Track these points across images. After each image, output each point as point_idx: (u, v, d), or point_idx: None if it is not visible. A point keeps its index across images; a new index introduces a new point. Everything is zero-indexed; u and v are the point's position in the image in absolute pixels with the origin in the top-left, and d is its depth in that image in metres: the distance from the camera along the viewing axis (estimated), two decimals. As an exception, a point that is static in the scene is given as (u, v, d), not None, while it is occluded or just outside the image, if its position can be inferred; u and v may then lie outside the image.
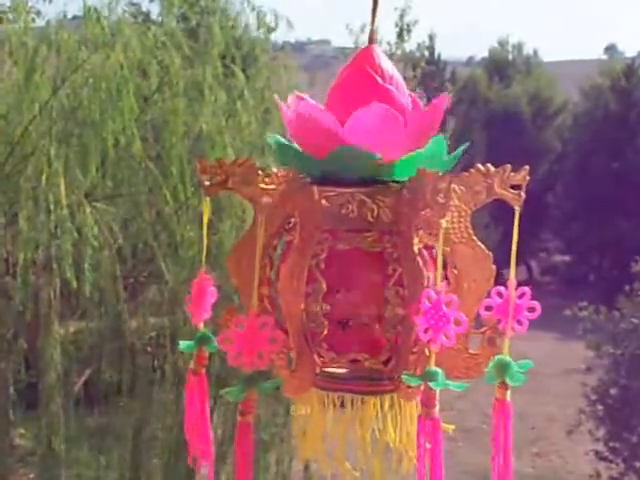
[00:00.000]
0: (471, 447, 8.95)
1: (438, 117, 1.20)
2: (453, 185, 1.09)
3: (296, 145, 1.22)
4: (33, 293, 6.63)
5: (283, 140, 1.23)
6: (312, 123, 1.16)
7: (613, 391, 10.01)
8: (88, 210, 6.40)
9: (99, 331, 7.21)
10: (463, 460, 8.44)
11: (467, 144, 1.22)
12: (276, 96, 1.21)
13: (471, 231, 1.15)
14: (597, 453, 9.99)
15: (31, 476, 7.87)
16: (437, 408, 1.05)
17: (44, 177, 6.34)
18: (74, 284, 6.30)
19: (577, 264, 22.47)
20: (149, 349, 7.30)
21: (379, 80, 1.18)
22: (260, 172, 1.14)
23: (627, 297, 10.11)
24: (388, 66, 1.21)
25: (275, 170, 1.15)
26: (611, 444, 9.92)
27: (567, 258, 23.76)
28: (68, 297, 6.77)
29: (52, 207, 6.30)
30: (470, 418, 9.79)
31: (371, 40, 1.23)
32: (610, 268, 20.90)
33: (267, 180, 1.13)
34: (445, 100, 1.19)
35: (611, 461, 9.92)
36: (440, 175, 1.09)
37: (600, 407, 10.06)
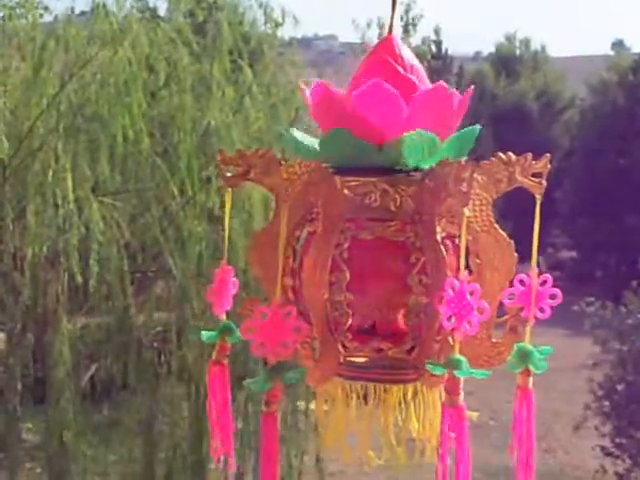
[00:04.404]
0: (479, 443, 8.96)
1: (465, 106, 1.20)
2: (475, 174, 1.09)
3: (302, 135, 1.22)
4: (41, 288, 6.64)
5: (294, 133, 1.23)
6: (328, 104, 1.17)
7: (619, 387, 10.01)
8: (95, 205, 6.41)
9: (106, 326, 7.22)
10: (473, 456, 8.46)
11: (479, 125, 1.22)
12: (301, 82, 1.21)
13: (493, 220, 1.16)
14: (603, 449, 9.99)
15: (38, 470, 7.88)
16: (461, 396, 1.05)
17: (51, 172, 6.36)
18: (81, 279, 6.31)
19: (584, 260, 22.42)
20: (156, 344, 7.31)
21: (400, 70, 1.18)
22: (283, 163, 1.14)
23: (634, 293, 10.11)
24: (409, 56, 1.21)
25: (298, 160, 1.15)
26: (617, 440, 9.91)
27: (574, 254, 23.72)
28: (75, 292, 6.78)
29: (59, 202, 6.32)
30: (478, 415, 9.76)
31: (391, 30, 1.23)
32: (617, 264, 20.88)
33: (291, 170, 1.13)
34: (470, 92, 1.20)
35: (617, 457, 9.92)
36: (463, 164, 1.09)
37: (606, 403, 10.06)
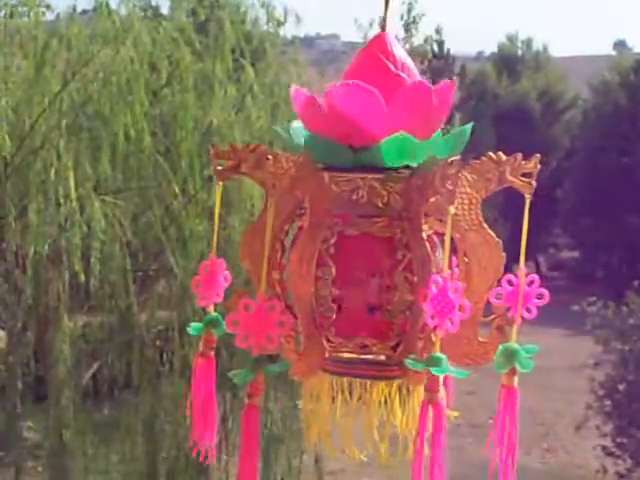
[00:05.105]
0: (480, 443, 8.94)
1: (447, 101, 1.20)
2: (463, 172, 1.10)
3: (301, 132, 1.23)
4: (42, 287, 6.65)
5: (289, 128, 1.24)
6: (316, 108, 1.17)
7: (621, 387, 10.00)
8: (97, 204, 6.41)
9: (108, 324, 7.23)
10: (472, 455, 8.46)
11: (472, 123, 1.22)
12: (291, 87, 1.22)
13: (482, 219, 1.16)
14: (604, 448, 9.98)
15: (39, 469, 7.89)
16: (441, 393, 1.05)
17: (53, 170, 6.36)
18: (83, 277, 6.32)
19: (585, 260, 22.41)
20: (158, 343, 7.31)
21: (391, 67, 1.19)
22: (271, 157, 1.15)
23: (636, 293, 10.09)
24: (400, 53, 1.21)
25: (286, 155, 1.16)
26: (618, 440, 9.90)
27: (575, 254, 23.72)
28: (77, 290, 6.79)
29: (61, 200, 6.32)
30: (478, 414, 9.80)
31: (384, 27, 1.23)
32: (619, 264, 20.87)
33: (278, 165, 1.14)
34: (453, 85, 1.20)
35: (618, 456, 9.91)
36: (449, 162, 1.09)
37: (607, 402, 10.05)
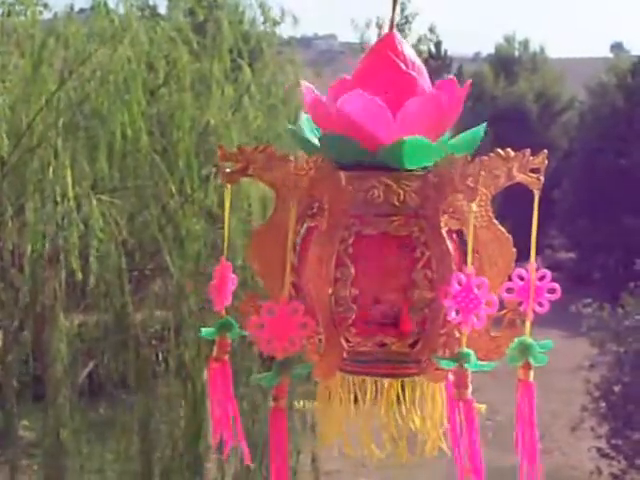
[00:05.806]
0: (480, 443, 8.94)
1: (458, 103, 1.20)
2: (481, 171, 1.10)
3: (309, 131, 1.23)
4: (39, 285, 6.64)
5: (301, 127, 1.23)
6: (323, 108, 1.18)
7: (616, 388, 10.01)
8: (94, 202, 6.40)
9: (104, 324, 7.22)
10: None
11: (484, 125, 1.23)
12: (303, 82, 1.21)
13: (492, 215, 1.16)
14: (599, 450, 9.99)
15: (35, 468, 7.88)
16: (470, 389, 1.06)
17: (50, 169, 6.36)
18: (80, 276, 6.30)
19: (582, 261, 22.37)
20: (153, 342, 7.31)
21: (402, 66, 1.19)
22: (291, 159, 1.14)
23: (631, 295, 10.10)
24: (410, 53, 1.21)
25: (303, 156, 1.15)
26: (613, 441, 9.91)
27: (572, 255, 23.70)
28: (73, 289, 6.78)
29: (59, 199, 6.31)
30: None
31: (392, 27, 1.23)
32: (615, 266, 20.85)
33: (298, 166, 1.13)
34: (466, 87, 1.20)
35: (613, 458, 9.91)
36: (469, 160, 1.09)
37: (603, 404, 10.06)
